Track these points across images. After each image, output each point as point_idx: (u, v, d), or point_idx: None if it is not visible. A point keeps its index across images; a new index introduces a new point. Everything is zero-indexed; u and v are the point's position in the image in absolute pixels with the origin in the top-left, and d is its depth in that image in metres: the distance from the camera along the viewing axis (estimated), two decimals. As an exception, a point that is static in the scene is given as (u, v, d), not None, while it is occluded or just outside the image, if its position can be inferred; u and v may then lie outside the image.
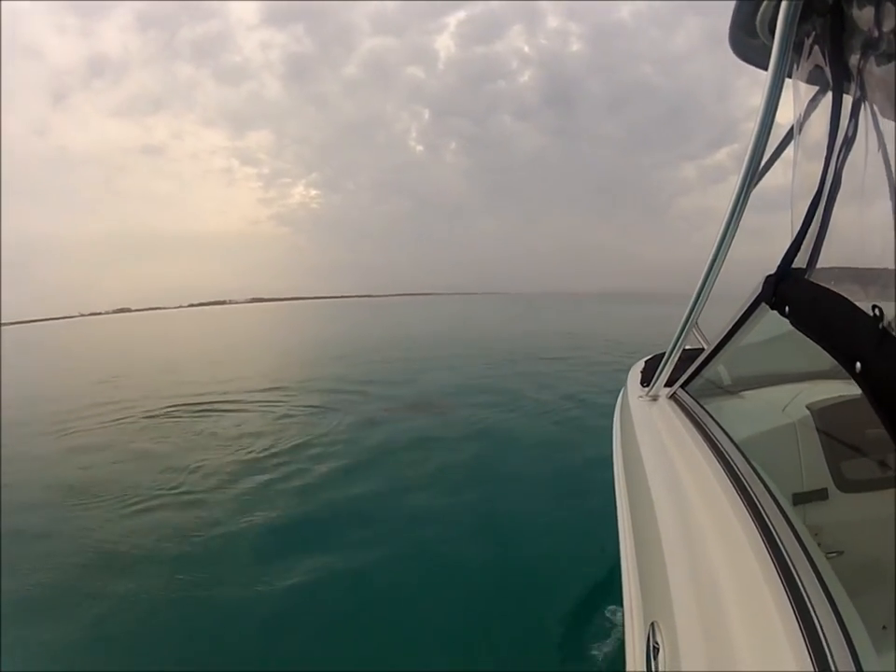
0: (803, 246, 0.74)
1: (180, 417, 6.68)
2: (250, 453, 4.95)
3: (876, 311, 0.49)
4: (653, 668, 0.65)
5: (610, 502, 1.35)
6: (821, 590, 0.58)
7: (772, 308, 0.81)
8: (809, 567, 0.61)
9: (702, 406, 1.31)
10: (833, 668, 0.47)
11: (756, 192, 0.93)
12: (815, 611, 0.53)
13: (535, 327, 20.58)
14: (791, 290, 0.76)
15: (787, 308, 0.75)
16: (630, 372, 2.10)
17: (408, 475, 4.31)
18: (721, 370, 1.51)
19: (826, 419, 1.29)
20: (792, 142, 0.93)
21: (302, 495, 3.98)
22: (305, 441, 5.22)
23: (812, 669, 0.48)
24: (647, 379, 1.75)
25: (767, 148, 0.85)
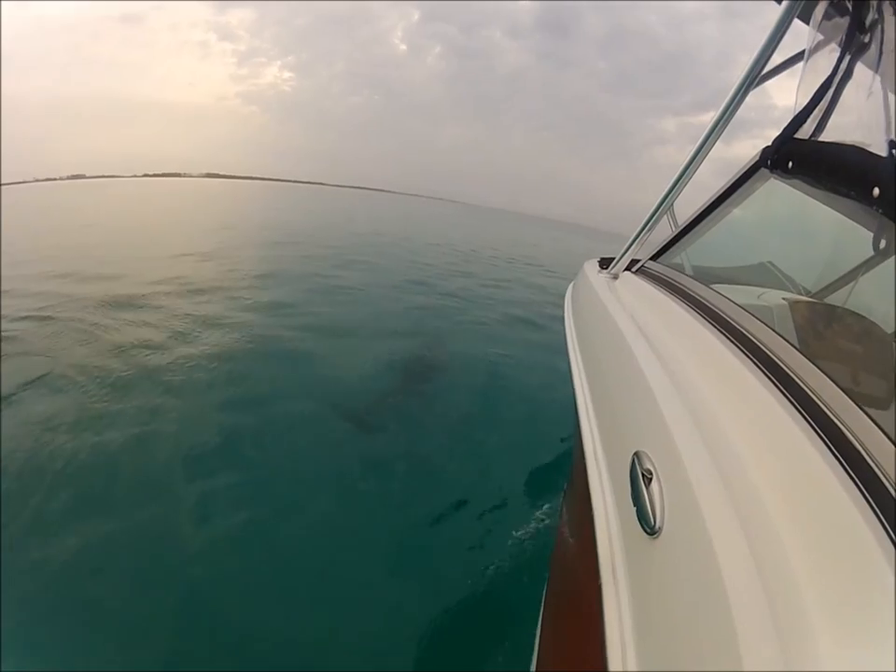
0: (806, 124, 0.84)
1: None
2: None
3: (893, 151, 0.58)
4: (646, 496, 0.64)
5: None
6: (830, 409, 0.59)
7: (772, 169, 0.88)
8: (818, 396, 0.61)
9: (679, 275, 1.26)
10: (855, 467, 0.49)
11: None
12: (839, 421, 0.56)
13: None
14: (796, 149, 0.83)
15: (790, 164, 0.82)
16: (583, 265, 2.02)
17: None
18: (684, 257, 1.45)
19: (802, 314, 1.21)
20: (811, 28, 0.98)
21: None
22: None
23: (841, 469, 0.50)
24: (607, 266, 1.72)
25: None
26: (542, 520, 2.43)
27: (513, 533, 2.35)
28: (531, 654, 1.37)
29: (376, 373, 4.02)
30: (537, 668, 1.25)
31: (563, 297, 2.07)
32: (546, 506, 2.53)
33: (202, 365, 3.78)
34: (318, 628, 1.84)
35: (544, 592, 1.54)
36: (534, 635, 1.43)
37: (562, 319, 1.83)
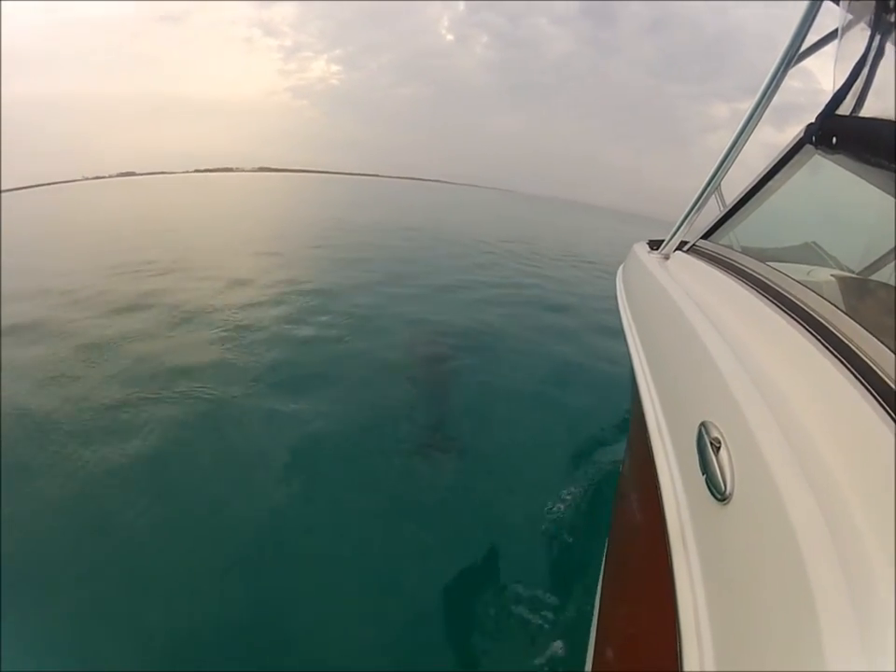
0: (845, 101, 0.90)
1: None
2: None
3: None
4: (716, 463, 0.65)
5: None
6: None
7: (817, 145, 0.93)
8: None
9: (731, 251, 1.25)
10: None
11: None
12: None
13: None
14: (839, 125, 0.87)
15: (834, 139, 0.85)
16: (633, 247, 2.04)
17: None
18: (732, 237, 1.45)
19: (852, 289, 1.18)
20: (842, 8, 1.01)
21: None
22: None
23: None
24: (657, 247, 1.75)
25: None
26: (597, 490, 2.56)
27: (568, 501, 2.47)
28: (590, 622, 1.41)
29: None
30: (598, 637, 1.28)
31: None
32: (600, 477, 2.66)
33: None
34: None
35: (603, 560, 1.58)
36: (592, 604, 1.48)
37: (615, 300, 1.86)
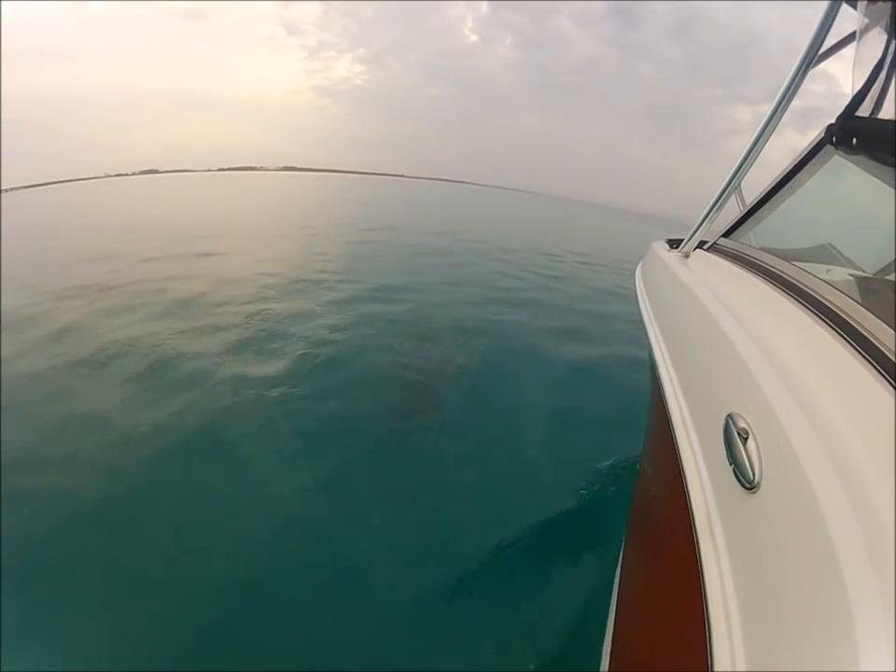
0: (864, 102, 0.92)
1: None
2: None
3: None
4: (744, 453, 0.66)
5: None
6: None
7: (837, 146, 0.94)
8: None
9: (751, 249, 1.25)
10: None
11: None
12: None
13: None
14: (859, 126, 0.90)
15: (854, 140, 0.88)
16: (651, 245, 2.05)
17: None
18: (751, 236, 1.45)
19: (870, 288, 1.18)
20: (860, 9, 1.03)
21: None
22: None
23: None
24: (676, 246, 1.76)
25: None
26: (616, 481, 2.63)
27: (588, 487, 2.56)
28: (605, 619, 1.43)
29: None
30: (616, 634, 1.29)
31: None
32: (620, 464, 2.75)
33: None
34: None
35: (621, 553, 1.59)
36: (608, 601, 1.50)
37: (635, 297, 1.88)
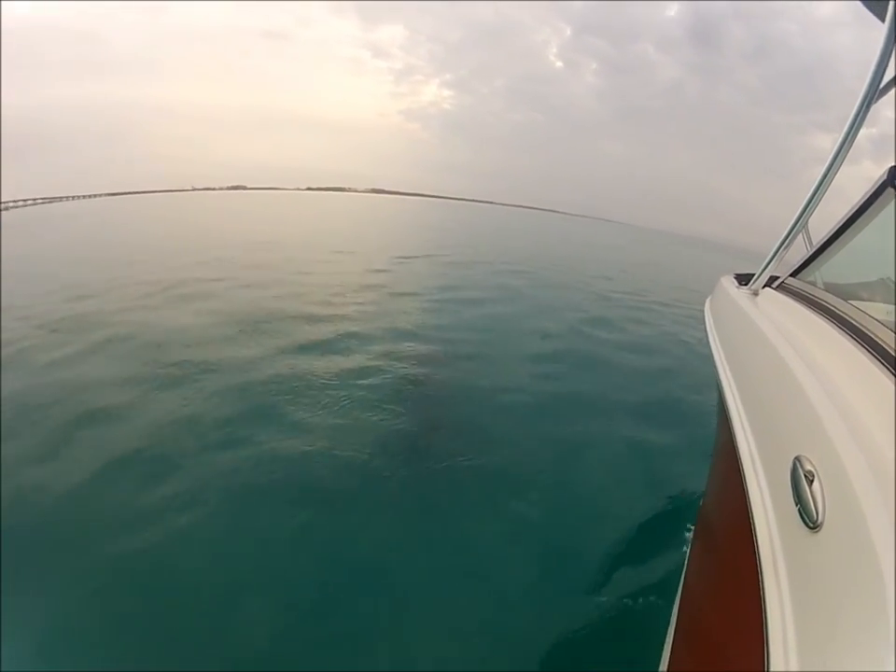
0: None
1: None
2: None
3: None
4: (809, 494, 0.69)
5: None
6: None
7: None
8: None
9: (817, 289, 1.28)
10: None
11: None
12: None
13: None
14: None
15: None
16: (720, 280, 2.11)
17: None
18: (817, 275, 1.47)
19: None
20: None
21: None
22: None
23: None
24: (744, 282, 1.79)
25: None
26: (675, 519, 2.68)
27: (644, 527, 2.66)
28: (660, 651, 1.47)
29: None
30: (675, 643, 1.34)
31: None
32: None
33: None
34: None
35: (684, 569, 1.65)
36: (665, 633, 1.54)
37: (705, 331, 1.93)
